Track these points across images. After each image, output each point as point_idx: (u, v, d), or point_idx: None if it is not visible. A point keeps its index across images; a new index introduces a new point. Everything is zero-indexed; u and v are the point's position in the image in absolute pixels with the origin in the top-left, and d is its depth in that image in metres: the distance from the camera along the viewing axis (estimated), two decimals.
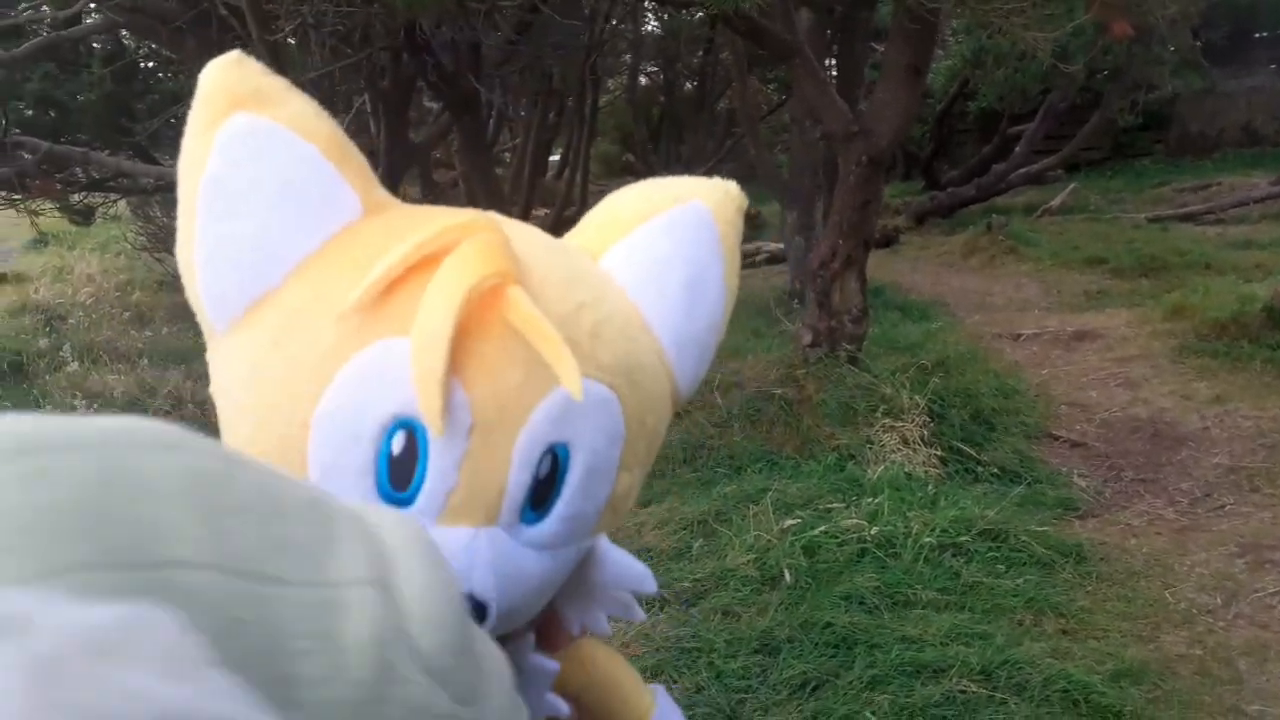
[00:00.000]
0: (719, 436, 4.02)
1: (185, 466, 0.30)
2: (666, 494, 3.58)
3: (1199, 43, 8.70)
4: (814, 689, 2.32)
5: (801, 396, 4.14)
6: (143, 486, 0.28)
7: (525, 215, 9.91)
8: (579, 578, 0.81)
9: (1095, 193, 10.29)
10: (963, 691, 2.24)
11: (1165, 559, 2.97)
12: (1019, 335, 5.47)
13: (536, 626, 0.82)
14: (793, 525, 3.09)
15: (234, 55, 0.70)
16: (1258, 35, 12.35)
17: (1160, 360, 4.79)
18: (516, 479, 0.69)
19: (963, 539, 2.97)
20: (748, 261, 8.57)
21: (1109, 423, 4.17)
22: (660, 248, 0.81)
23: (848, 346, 4.29)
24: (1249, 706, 2.21)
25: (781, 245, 6.92)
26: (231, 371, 0.73)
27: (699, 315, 0.81)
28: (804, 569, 2.86)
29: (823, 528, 3.05)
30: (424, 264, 0.66)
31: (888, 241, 7.95)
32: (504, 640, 0.74)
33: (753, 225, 9.69)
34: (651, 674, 2.41)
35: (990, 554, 2.94)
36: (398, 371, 0.65)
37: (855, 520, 3.08)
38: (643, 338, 0.78)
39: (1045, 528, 3.11)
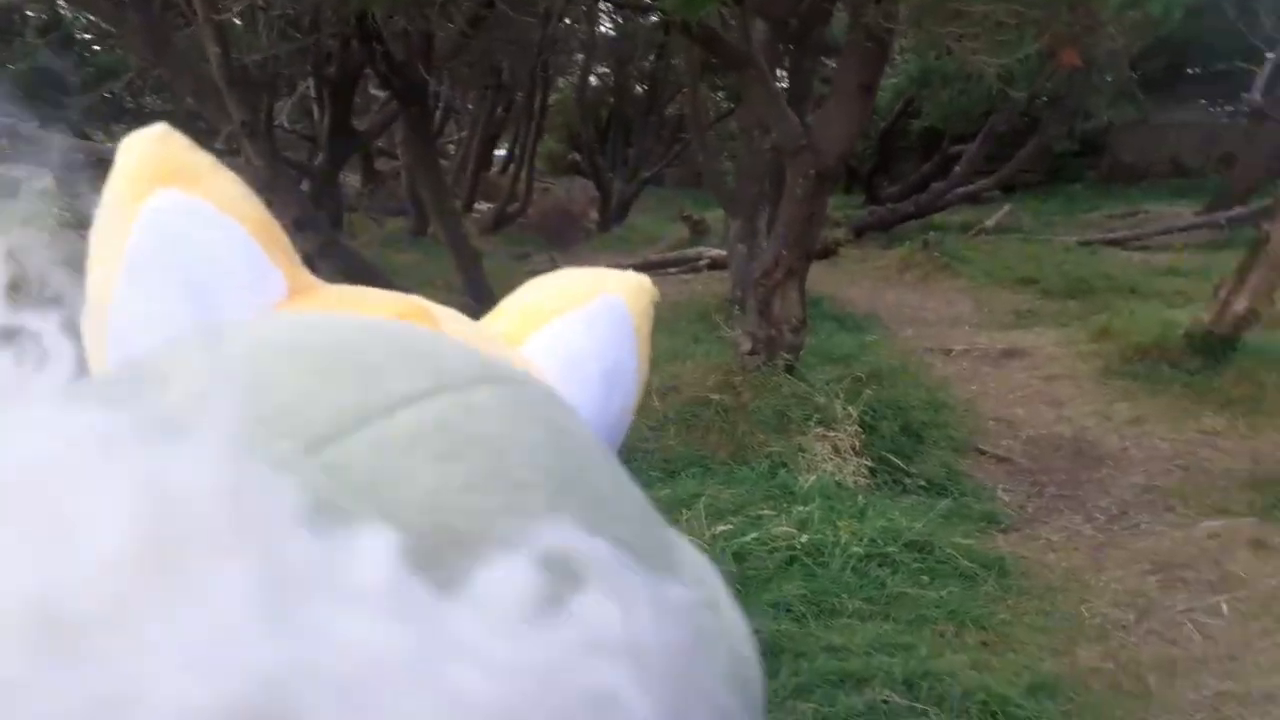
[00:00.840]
0: (654, 440, 4.03)
1: (586, 427, 0.28)
2: None
3: (1135, 74, 8.99)
4: None
5: (738, 403, 4.17)
6: (580, 445, 0.26)
7: (468, 207, 9.84)
8: None
9: (1029, 214, 10.57)
10: (885, 702, 2.27)
11: (1082, 575, 3.05)
12: (950, 350, 5.59)
13: None
14: (724, 531, 3.11)
15: (159, 129, 0.67)
16: (1190, 71, 12.81)
17: (1084, 380, 4.93)
18: None
19: (890, 549, 3.02)
20: (689, 267, 8.61)
21: (1034, 439, 4.28)
22: (579, 339, 0.85)
23: (786, 356, 4.34)
24: (1156, 719, 2.29)
25: (723, 252, 6.97)
26: None
27: (615, 402, 0.89)
28: (734, 575, 2.87)
29: (754, 534, 3.07)
30: None
31: (827, 253, 8.05)
32: None
33: (697, 231, 9.73)
34: None
35: (916, 565, 2.99)
36: None
37: (785, 528, 3.10)
38: None
39: (969, 541, 3.17)
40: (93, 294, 0.71)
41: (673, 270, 8.65)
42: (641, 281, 0.96)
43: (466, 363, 0.26)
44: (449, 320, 0.79)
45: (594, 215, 11.27)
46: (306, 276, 0.71)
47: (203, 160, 0.68)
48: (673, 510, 3.32)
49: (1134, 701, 2.37)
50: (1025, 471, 3.99)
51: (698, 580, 0.29)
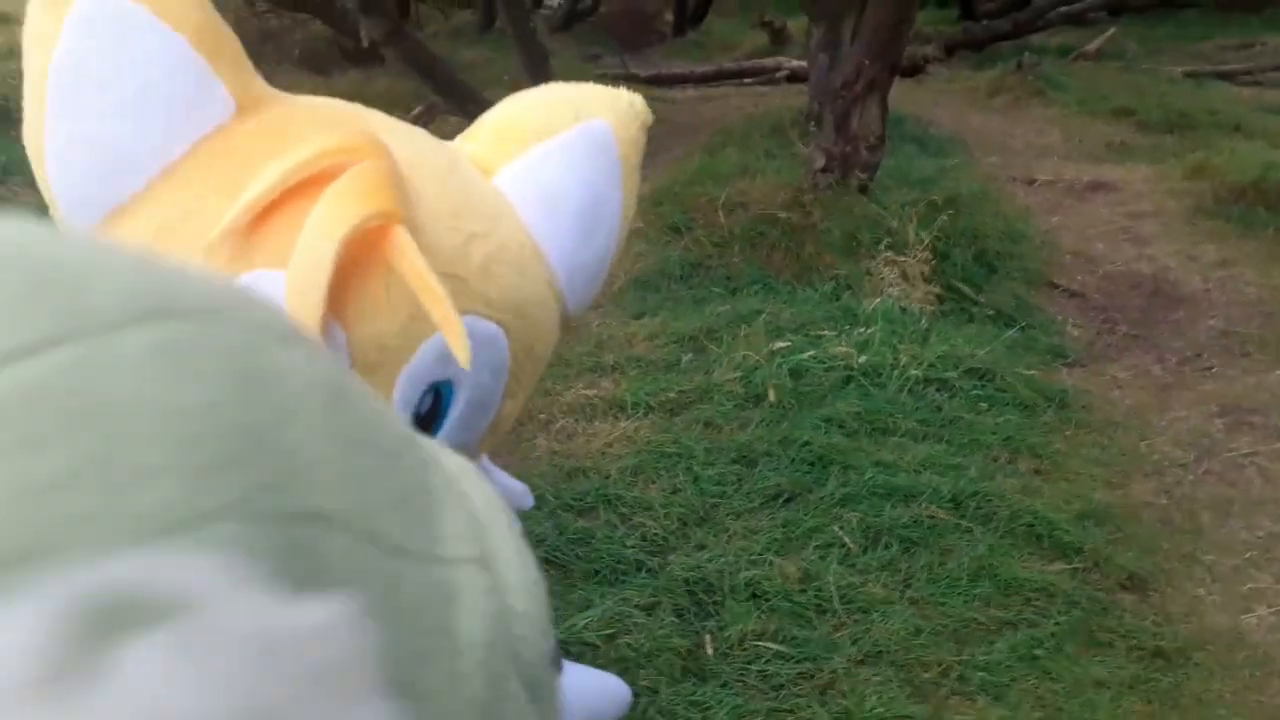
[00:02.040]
0: (718, 256, 3.97)
1: (318, 374, 0.22)
2: (660, 308, 3.56)
3: None
4: (786, 500, 2.38)
5: (806, 223, 4.06)
6: (284, 395, 0.20)
7: (538, 3, 9.43)
8: None
9: (1135, 40, 9.82)
10: (931, 517, 2.30)
11: (1145, 413, 3.00)
12: (1034, 180, 5.34)
13: None
14: (782, 348, 3.10)
15: None
16: None
17: (1172, 219, 4.70)
18: None
19: (949, 375, 2.99)
20: (767, 78, 8.25)
21: (1111, 276, 4.13)
22: (558, 173, 0.77)
23: (860, 175, 4.18)
24: (1204, 556, 2.29)
25: (804, 63, 6.63)
26: None
27: (593, 243, 0.80)
28: (788, 390, 2.88)
29: (811, 353, 3.06)
30: (301, 188, 0.60)
31: (914, 70, 7.62)
32: None
33: (777, 39, 9.26)
34: (631, 473, 2.47)
35: (974, 391, 2.96)
36: None
37: (844, 348, 3.08)
38: (534, 268, 0.75)
39: (1033, 371, 3.13)
40: (28, 113, 0.64)
41: (749, 81, 8.29)
42: (632, 103, 0.86)
43: (130, 295, 0.19)
44: (408, 152, 0.67)
45: (668, 18, 10.75)
46: (259, 87, 0.68)
47: None
48: (731, 325, 3.31)
49: (1184, 536, 2.37)
50: (1098, 308, 3.87)
51: (464, 536, 0.24)
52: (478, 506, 0.26)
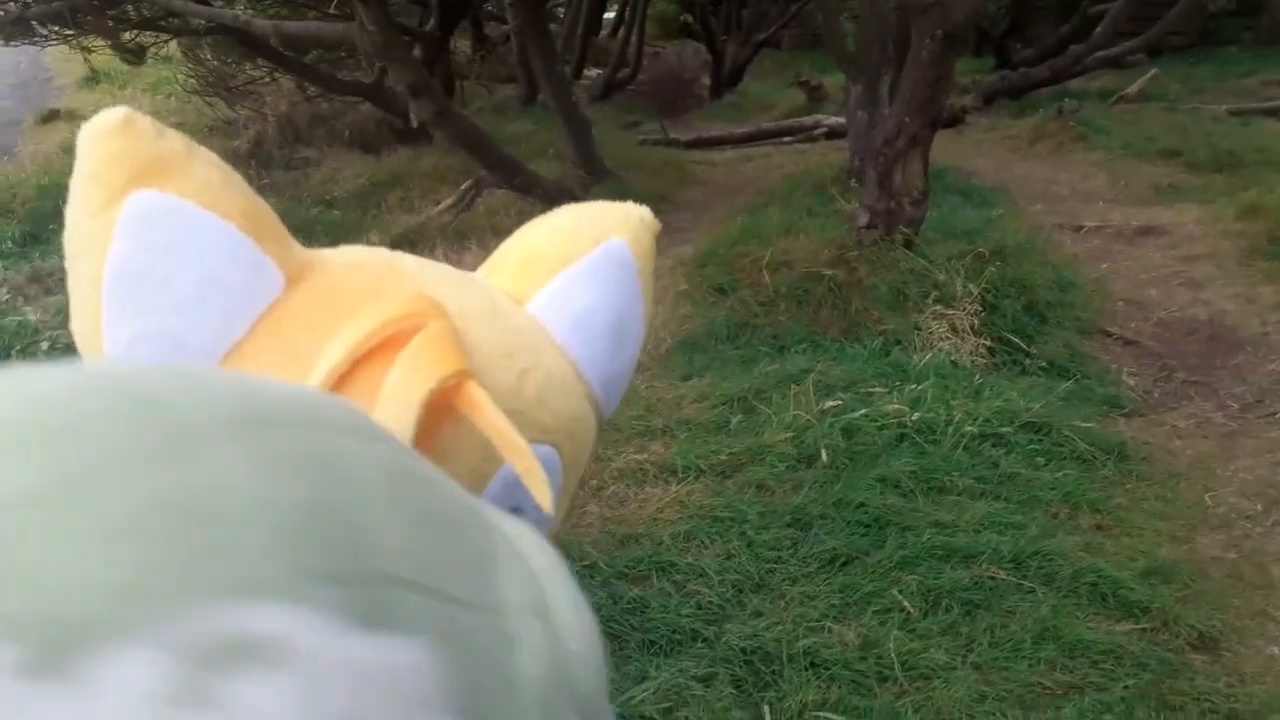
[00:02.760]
0: (764, 315, 3.99)
1: (387, 459, 0.26)
2: (708, 369, 3.58)
3: None
4: (843, 565, 2.36)
5: (852, 279, 4.08)
6: (355, 480, 0.24)
7: (577, 74, 9.67)
8: None
9: (1176, 81, 9.76)
10: (991, 578, 2.27)
11: (1209, 463, 2.93)
12: (1081, 227, 5.30)
13: None
14: (833, 407, 3.09)
15: (120, 115, 0.62)
16: None
17: (1227, 261, 4.62)
18: None
19: (1004, 430, 2.95)
20: (805, 136, 8.33)
21: (1166, 322, 4.07)
22: (585, 296, 0.83)
23: (905, 230, 4.19)
24: (1277, 612, 2.22)
25: (842, 120, 6.69)
26: None
27: (623, 354, 0.85)
28: (841, 450, 2.87)
29: (863, 411, 3.05)
30: (370, 356, 0.64)
31: (953, 121, 7.65)
32: None
33: (814, 97, 9.36)
34: (684, 539, 2.47)
35: (1031, 446, 2.92)
36: None
37: (897, 405, 3.07)
38: (576, 388, 0.81)
39: (1090, 424, 3.08)
40: (78, 313, 0.66)
41: (788, 140, 8.38)
42: (643, 217, 0.92)
43: (221, 409, 0.23)
44: (454, 300, 0.73)
45: (706, 81, 10.93)
46: (300, 254, 0.71)
47: (174, 147, 0.64)
48: (781, 385, 3.31)
49: (1255, 592, 2.30)
50: (1154, 355, 3.81)
51: (522, 589, 0.28)
52: (537, 564, 0.30)
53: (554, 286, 0.83)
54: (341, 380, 0.64)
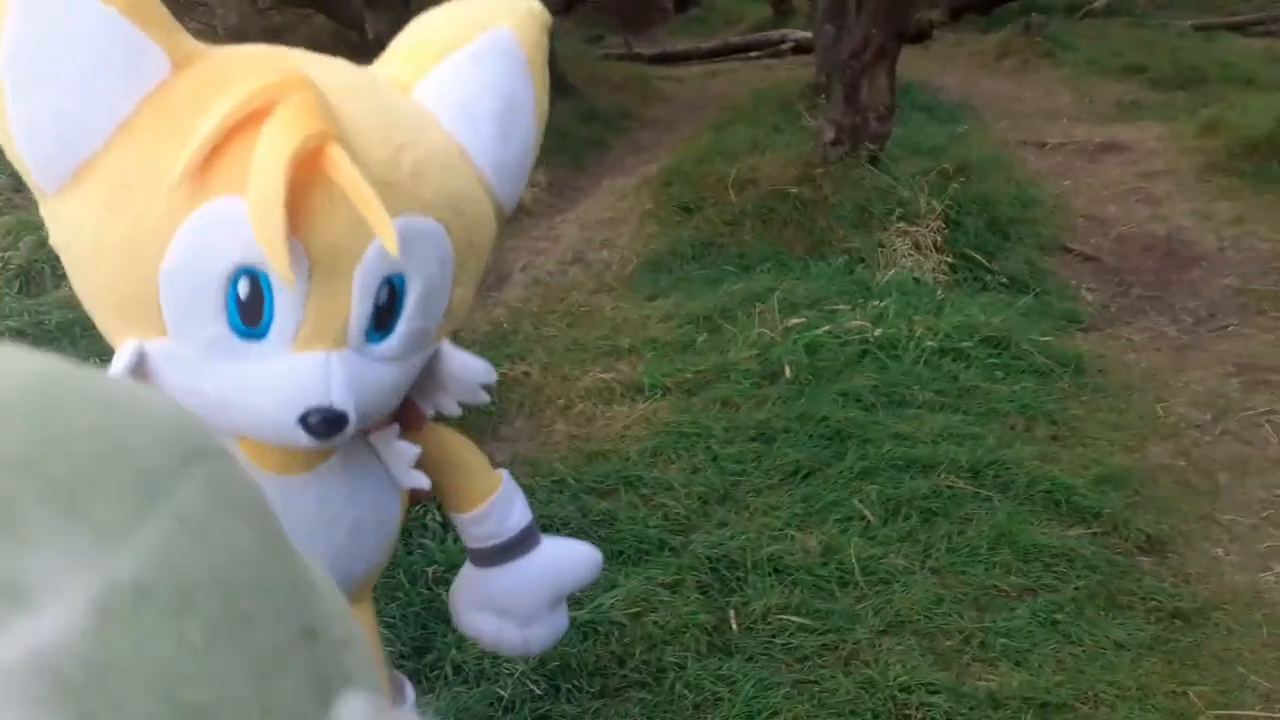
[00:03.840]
0: (729, 234, 3.98)
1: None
2: (673, 289, 3.59)
3: None
4: (805, 476, 2.41)
5: (817, 197, 4.07)
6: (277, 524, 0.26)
7: None
8: (429, 374, 0.95)
9: None
10: (950, 487, 2.33)
11: (1161, 375, 3.01)
12: (1044, 144, 5.31)
13: (397, 417, 0.97)
14: (797, 324, 3.12)
15: None
16: None
17: (1185, 177, 4.67)
18: (358, 309, 0.78)
19: (964, 344, 3.00)
20: (772, 50, 8.20)
21: (1124, 238, 4.12)
22: (470, 80, 0.87)
23: (870, 146, 4.17)
24: (1222, 516, 2.31)
25: (809, 34, 6.59)
26: (71, 231, 0.78)
27: (513, 141, 0.89)
28: (804, 366, 2.90)
29: (826, 328, 3.08)
30: (243, 125, 0.71)
31: (920, 36, 7.55)
32: (368, 432, 0.94)
33: (781, 10, 9.19)
34: (651, 454, 2.50)
35: (990, 360, 2.98)
36: (234, 227, 0.71)
37: (859, 322, 3.10)
38: (462, 168, 0.86)
39: (1048, 338, 3.13)
40: None
41: (754, 54, 8.26)
42: (531, 8, 0.95)
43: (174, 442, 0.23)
44: (333, 80, 0.77)
45: None
46: (188, 44, 0.77)
47: None
48: (745, 303, 3.33)
49: (1201, 497, 2.39)
50: (1112, 270, 3.87)
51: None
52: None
53: (438, 73, 0.86)
54: (216, 150, 0.71)
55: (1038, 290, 3.58)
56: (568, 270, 3.86)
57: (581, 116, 5.74)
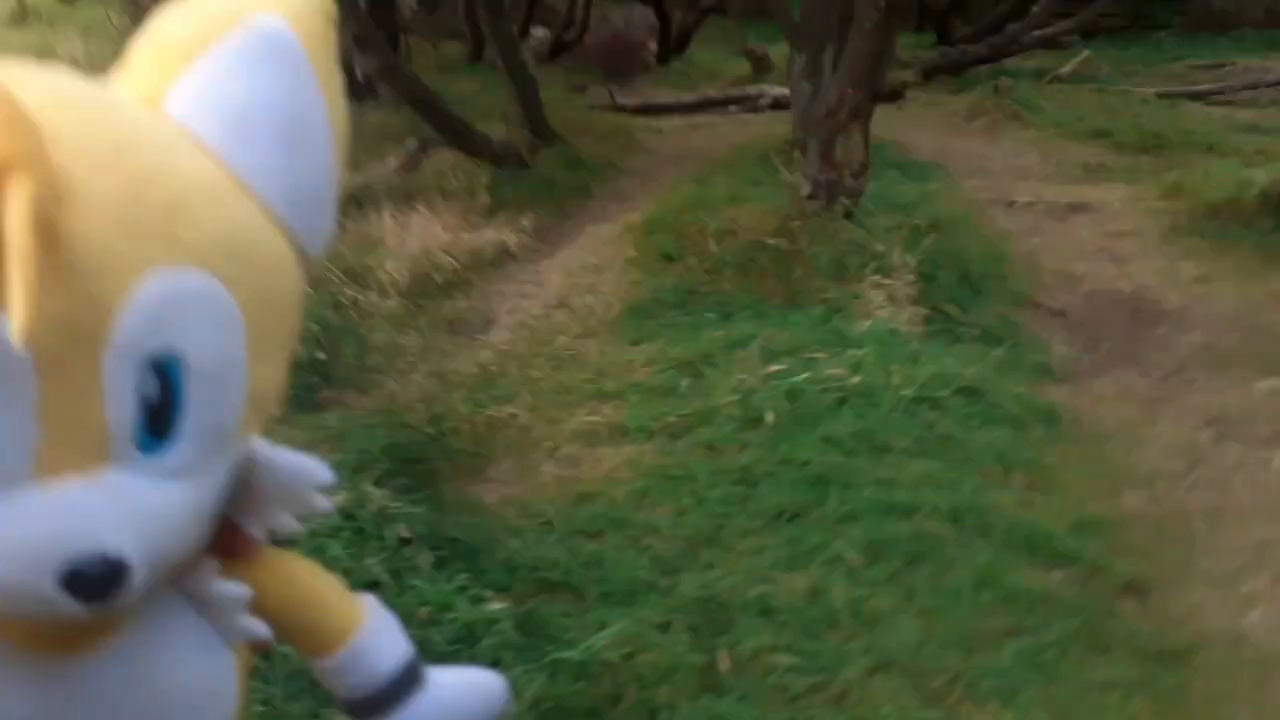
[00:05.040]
0: (710, 283, 4.05)
1: None
2: (657, 334, 3.64)
3: None
4: (790, 519, 2.44)
5: (795, 248, 4.16)
6: None
7: (524, 32, 9.57)
8: (248, 487, 0.73)
9: (1108, 63, 10.05)
10: (931, 532, 2.37)
11: (1134, 426, 3.08)
12: (1013, 203, 5.46)
13: (216, 548, 0.73)
14: (777, 371, 3.17)
15: None
16: None
17: (1150, 238, 4.82)
18: (116, 411, 0.57)
19: (940, 394, 3.06)
20: (750, 106, 8.37)
21: (1093, 295, 4.23)
22: (233, 87, 0.66)
23: (845, 201, 4.28)
24: (1200, 562, 2.36)
25: (786, 90, 6.76)
26: None
27: (304, 164, 0.69)
28: (786, 412, 2.95)
29: (806, 375, 3.13)
30: None
31: (893, 96, 7.77)
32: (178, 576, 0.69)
33: (760, 67, 9.41)
34: (638, 496, 2.53)
35: (966, 410, 3.03)
36: None
37: (838, 370, 3.15)
38: (237, 201, 0.64)
39: (1021, 389, 3.21)
40: None
41: (733, 109, 8.43)
42: None
43: None
44: (48, 93, 0.57)
45: (653, 46, 10.90)
46: None
47: None
48: (727, 350, 3.38)
49: (1177, 545, 2.44)
50: (1082, 326, 3.97)
51: None
52: None
53: (191, 79, 0.66)
54: None
55: (1010, 343, 3.66)
56: (553, 314, 3.90)
57: (567, 164, 5.83)
